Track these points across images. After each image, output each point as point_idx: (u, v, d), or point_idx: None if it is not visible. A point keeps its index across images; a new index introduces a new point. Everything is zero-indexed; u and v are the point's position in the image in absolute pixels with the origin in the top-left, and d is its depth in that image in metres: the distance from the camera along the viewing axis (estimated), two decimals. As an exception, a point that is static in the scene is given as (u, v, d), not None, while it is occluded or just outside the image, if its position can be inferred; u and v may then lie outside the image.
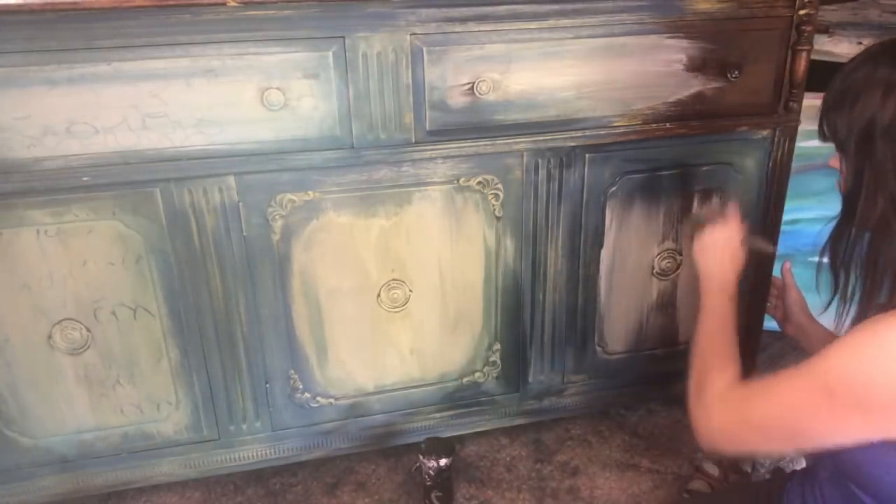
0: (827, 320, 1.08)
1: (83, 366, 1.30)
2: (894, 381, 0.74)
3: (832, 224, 0.91)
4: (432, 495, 1.42)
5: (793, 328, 1.30)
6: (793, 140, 1.44)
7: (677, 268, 1.50)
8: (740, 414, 0.91)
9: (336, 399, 1.44)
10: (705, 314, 1.11)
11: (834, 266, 0.92)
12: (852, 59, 0.85)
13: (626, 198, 1.41)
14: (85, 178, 1.15)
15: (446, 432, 1.52)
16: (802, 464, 1.44)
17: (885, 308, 0.83)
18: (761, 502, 1.06)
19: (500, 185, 1.33)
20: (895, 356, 0.75)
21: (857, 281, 0.89)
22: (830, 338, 1.17)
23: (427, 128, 1.26)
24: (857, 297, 0.90)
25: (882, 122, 0.79)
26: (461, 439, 1.60)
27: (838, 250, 0.91)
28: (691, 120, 1.36)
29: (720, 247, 1.16)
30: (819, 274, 0.95)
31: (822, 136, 0.89)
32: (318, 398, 1.43)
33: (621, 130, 1.33)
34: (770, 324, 1.50)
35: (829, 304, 0.95)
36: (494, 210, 1.35)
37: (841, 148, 0.86)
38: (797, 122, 1.42)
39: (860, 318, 0.89)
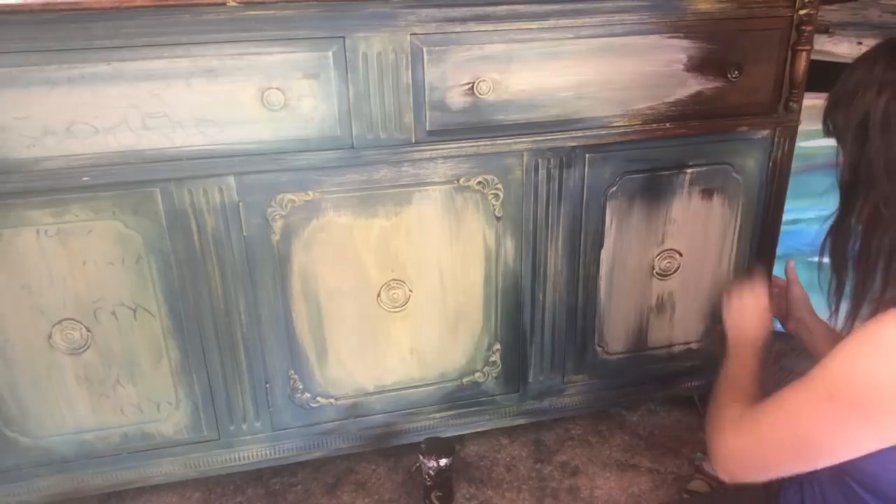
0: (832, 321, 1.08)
1: (83, 366, 1.30)
2: (893, 382, 0.75)
3: (830, 220, 0.92)
4: (432, 495, 1.42)
5: (795, 324, 1.30)
6: (793, 140, 1.44)
7: (677, 268, 1.50)
8: (752, 434, 0.91)
9: (336, 399, 1.44)
10: (730, 361, 1.12)
11: (835, 261, 0.93)
12: (855, 60, 0.88)
13: (626, 198, 1.41)
14: (85, 178, 1.15)
15: (446, 432, 1.52)
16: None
17: (878, 300, 0.83)
18: (761, 502, 1.06)
19: (500, 185, 1.33)
20: (894, 357, 0.75)
21: (852, 273, 0.90)
22: (832, 333, 1.17)
23: (427, 128, 1.26)
24: (850, 291, 0.91)
25: (875, 116, 0.82)
26: (461, 439, 1.60)
27: (839, 243, 0.91)
28: (691, 120, 1.36)
29: (749, 311, 1.18)
30: (820, 273, 0.95)
31: (826, 131, 0.92)
32: (318, 398, 1.43)
33: (621, 130, 1.33)
34: (770, 324, 1.50)
35: (838, 304, 0.95)
36: (494, 210, 1.35)
37: (840, 142, 0.89)
38: (797, 122, 1.42)
39: (854, 310, 0.90)
